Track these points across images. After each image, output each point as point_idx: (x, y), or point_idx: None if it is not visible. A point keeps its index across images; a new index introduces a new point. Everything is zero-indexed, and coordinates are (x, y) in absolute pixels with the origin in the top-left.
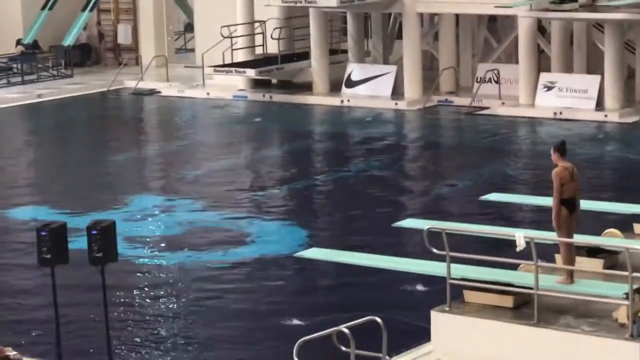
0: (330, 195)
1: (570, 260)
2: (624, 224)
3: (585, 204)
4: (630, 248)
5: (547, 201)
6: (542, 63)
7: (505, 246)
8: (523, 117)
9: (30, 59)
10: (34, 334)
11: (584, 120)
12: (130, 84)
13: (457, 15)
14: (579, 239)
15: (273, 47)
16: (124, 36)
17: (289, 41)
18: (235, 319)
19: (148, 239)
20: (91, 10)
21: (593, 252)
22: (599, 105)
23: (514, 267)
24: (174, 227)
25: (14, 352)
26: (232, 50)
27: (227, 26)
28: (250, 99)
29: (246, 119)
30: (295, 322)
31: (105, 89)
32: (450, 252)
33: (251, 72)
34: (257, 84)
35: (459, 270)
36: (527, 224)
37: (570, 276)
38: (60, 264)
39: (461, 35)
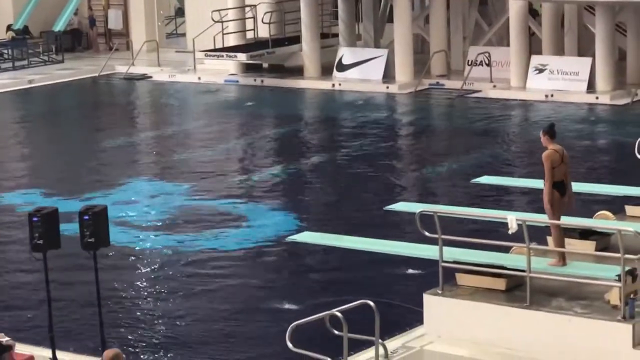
0: (322, 179)
1: (561, 243)
2: (615, 205)
3: (577, 187)
4: (622, 230)
5: (538, 183)
6: (533, 45)
7: (497, 229)
8: (514, 99)
9: (21, 45)
10: (29, 316)
11: (575, 103)
12: (122, 69)
13: None
14: (571, 221)
15: (264, 31)
16: (114, 21)
17: (280, 25)
18: (227, 303)
19: (139, 224)
20: None
21: (585, 234)
22: (590, 87)
23: (506, 249)
24: (166, 211)
25: (7, 338)
26: (223, 34)
27: (218, 10)
28: (241, 83)
29: (238, 103)
30: (288, 306)
31: (96, 74)
32: (442, 235)
33: (242, 57)
34: (248, 69)
35: (451, 253)
36: (519, 207)
37: (563, 258)
38: (52, 249)
39: (452, 18)
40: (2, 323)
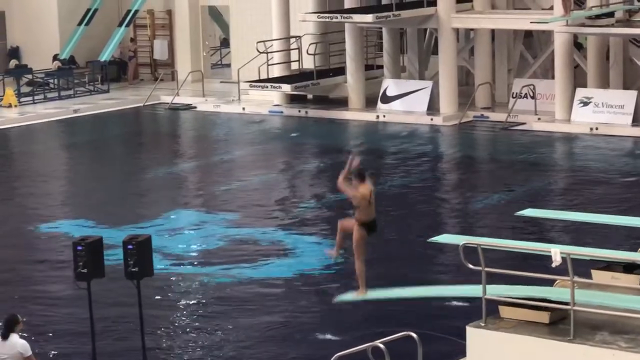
0: None
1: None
2: None
3: (621, 220)
4: None
5: (583, 217)
6: (578, 78)
7: (541, 262)
8: (559, 132)
9: (67, 74)
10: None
11: (620, 136)
12: (167, 99)
13: (493, 31)
14: (616, 254)
15: (309, 63)
16: (160, 52)
17: (325, 56)
18: (269, 334)
19: (183, 254)
20: (127, 25)
21: (629, 268)
22: (636, 120)
23: (550, 282)
24: (210, 241)
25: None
26: (268, 65)
27: (263, 41)
28: (285, 114)
29: (282, 134)
30: (331, 336)
31: (141, 104)
32: (485, 267)
33: (287, 88)
34: (292, 99)
35: (495, 290)
36: (563, 240)
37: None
38: (96, 278)
39: (497, 51)
40: (46, 351)
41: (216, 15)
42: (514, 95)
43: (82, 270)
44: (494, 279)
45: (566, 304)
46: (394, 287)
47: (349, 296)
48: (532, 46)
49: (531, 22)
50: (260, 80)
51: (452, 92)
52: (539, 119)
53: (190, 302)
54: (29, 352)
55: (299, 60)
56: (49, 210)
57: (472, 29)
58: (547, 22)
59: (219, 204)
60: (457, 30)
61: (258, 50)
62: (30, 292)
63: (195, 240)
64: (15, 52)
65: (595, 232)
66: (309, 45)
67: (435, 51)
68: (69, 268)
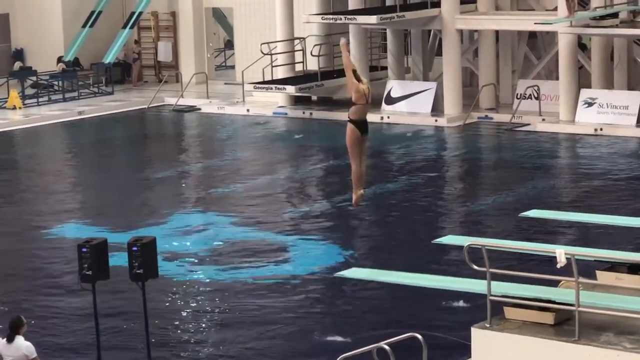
0: (370, 212)
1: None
2: None
3: (627, 221)
4: None
5: (588, 217)
6: (582, 79)
7: (545, 262)
8: (563, 133)
9: (71, 77)
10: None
11: (624, 137)
12: (171, 101)
13: (497, 32)
14: (620, 255)
15: (313, 64)
16: (164, 54)
17: (329, 58)
18: (273, 335)
19: (188, 255)
20: (131, 27)
21: (634, 268)
22: None
23: (554, 283)
24: (214, 243)
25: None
26: (272, 67)
27: (267, 43)
28: (290, 115)
29: (286, 135)
30: (336, 338)
31: (145, 106)
32: (490, 268)
33: (291, 89)
34: (297, 101)
35: (500, 287)
36: (568, 241)
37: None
38: (101, 280)
39: (501, 52)
40: (46, 349)
41: (220, 17)
42: (518, 96)
43: (87, 272)
44: (498, 278)
45: (571, 304)
46: (397, 291)
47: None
48: (536, 47)
49: (535, 23)
50: (264, 82)
51: (457, 93)
52: (543, 119)
53: (194, 304)
54: (34, 354)
55: (303, 62)
56: (54, 212)
57: (476, 30)
58: (551, 23)
59: (224, 206)
60: (461, 32)
61: (262, 52)
62: (35, 296)
63: (200, 242)
64: (19, 54)
65: (600, 232)
66: (313, 46)
67: (439, 52)
68: (73, 270)
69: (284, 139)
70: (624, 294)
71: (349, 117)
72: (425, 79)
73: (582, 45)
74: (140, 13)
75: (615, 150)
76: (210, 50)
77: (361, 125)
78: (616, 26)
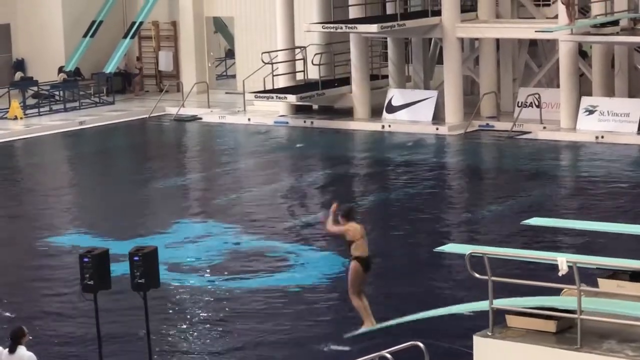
0: (371, 221)
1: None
2: None
3: (627, 228)
4: None
5: (589, 225)
6: (583, 87)
7: (547, 270)
8: (564, 141)
9: (72, 86)
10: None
11: (625, 144)
12: (172, 110)
13: (497, 40)
14: (622, 263)
15: (314, 73)
16: (165, 63)
17: (330, 67)
18: (275, 344)
19: (189, 265)
20: (132, 37)
21: (636, 276)
22: None
23: (556, 291)
24: (215, 253)
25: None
26: (273, 76)
27: (268, 52)
28: (291, 124)
29: (287, 144)
30: (337, 347)
31: (146, 116)
32: (492, 276)
33: (292, 98)
34: (298, 110)
35: (503, 300)
36: (570, 248)
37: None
38: (102, 289)
39: (502, 60)
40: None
41: (221, 27)
42: (519, 104)
43: (89, 282)
44: (499, 291)
45: (573, 312)
46: (401, 305)
47: (360, 330)
48: (537, 55)
49: (536, 31)
50: (265, 91)
51: (458, 102)
52: (544, 127)
53: (196, 313)
54: None
55: (304, 71)
56: (55, 222)
57: (476, 39)
58: (551, 31)
59: (225, 215)
60: (461, 40)
61: (263, 61)
62: (37, 305)
63: (201, 251)
64: (20, 65)
65: (601, 240)
66: (314, 55)
67: (440, 61)
68: (75, 280)
69: (285, 148)
70: (626, 302)
71: (353, 256)
72: (426, 87)
73: (582, 53)
74: (141, 23)
75: (617, 158)
76: (211, 60)
77: (366, 262)
78: (617, 34)
